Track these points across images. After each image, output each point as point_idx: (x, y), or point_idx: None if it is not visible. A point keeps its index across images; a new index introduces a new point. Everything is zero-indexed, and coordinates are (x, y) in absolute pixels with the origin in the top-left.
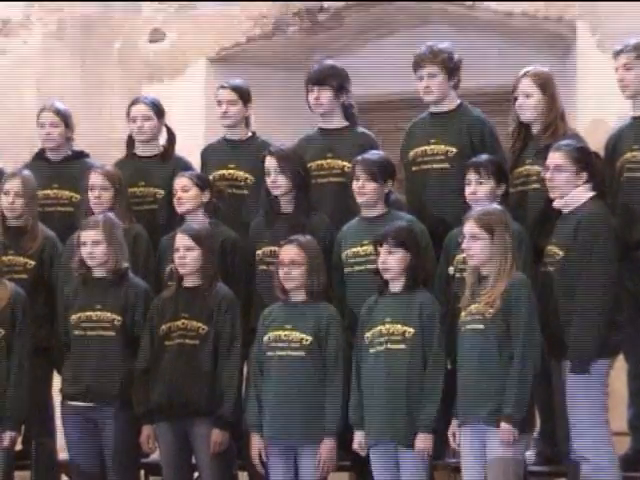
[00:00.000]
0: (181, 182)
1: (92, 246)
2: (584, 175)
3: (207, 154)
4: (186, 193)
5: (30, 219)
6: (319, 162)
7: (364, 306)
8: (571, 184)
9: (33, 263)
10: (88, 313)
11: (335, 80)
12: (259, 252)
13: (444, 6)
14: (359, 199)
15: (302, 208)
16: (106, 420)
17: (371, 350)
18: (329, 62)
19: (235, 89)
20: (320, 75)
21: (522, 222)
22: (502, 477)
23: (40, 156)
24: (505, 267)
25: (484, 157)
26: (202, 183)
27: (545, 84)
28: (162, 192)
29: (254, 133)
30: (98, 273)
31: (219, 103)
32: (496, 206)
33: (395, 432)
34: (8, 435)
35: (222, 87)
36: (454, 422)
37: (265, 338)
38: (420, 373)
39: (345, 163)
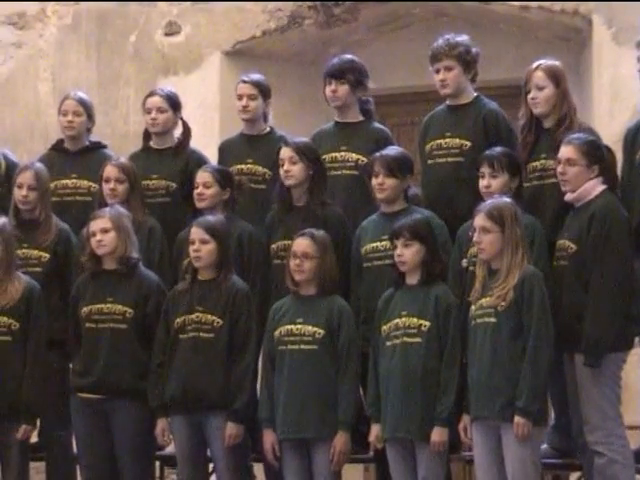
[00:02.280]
0: (203, 177)
1: (101, 234)
2: (596, 168)
3: (225, 149)
4: (207, 190)
5: (43, 212)
6: (333, 154)
7: (381, 299)
8: (583, 177)
9: (47, 256)
10: (99, 305)
11: (353, 74)
12: (273, 246)
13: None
14: (379, 195)
15: (316, 201)
16: (117, 412)
17: (387, 343)
18: (348, 56)
19: (256, 84)
20: (338, 69)
21: (539, 216)
22: (521, 471)
23: (58, 146)
24: (516, 260)
25: (498, 150)
26: (224, 180)
27: (558, 78)
28: (174, 185)
29: (272, 128)
30: (108, 265)
31: (239, 97)
32: (506, 199)
33: (410, 426)
34: (23, 428)
35: (243, 81)
36: (465, 417)
37: (276, 332)
38: (436, 366)
39: (359, 156)
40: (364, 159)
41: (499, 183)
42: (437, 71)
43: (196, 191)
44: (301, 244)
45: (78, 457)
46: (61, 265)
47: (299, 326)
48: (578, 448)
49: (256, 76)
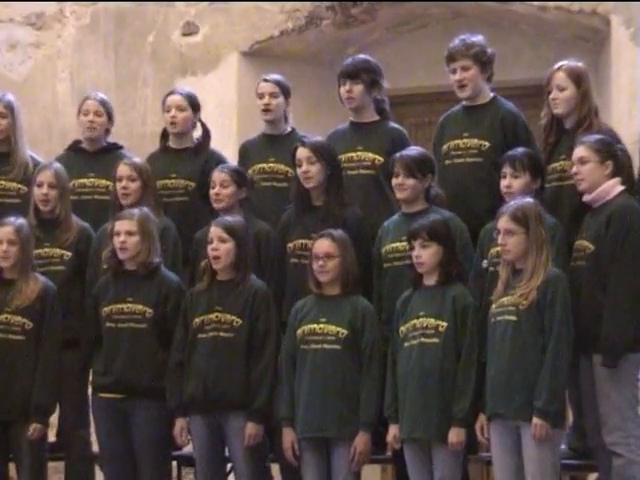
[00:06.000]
0: (220, 177)
1: (125, 236)
2: (609, 164)
3: (246, 149)
4: (225, 189)
5: (63, 211)
6: (349, 154)
7: (399, 300)
8: (597, 174)
9: (70, 254)
10: (119, 305)
11: (368, 74)
12: (290, 245)
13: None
14: (399, 195)
15: (334, 201)
16: (137, 412)
17: (405, 344)
18: (362, 56)
19: (277, 83)
20: (353, 69)
21: (558, 218)
22: (540, 472)
23: (75, 147)
24: (541, 260)
25: (520, 150)
26: (241, 180)
27: (579, 79)
28: (193, 184)
29: (294, 129)
30: (129, 266)
31: (261, 96)
32: (529, 200)
33: (428, 426)
34: (33, 427)
35: (265, 80)
36: (482, 416)
37: (299, 331)
38: (453, 367)
39: (375, 156)
40: (380, 159)
41: (520, 183)
42: (453, 71)
43: (213, 191)
44: (322, 245)
45: (99, 456)
46: (83, 263)
47: (322, 325)
48: (594, 449)
49: (277, 75)
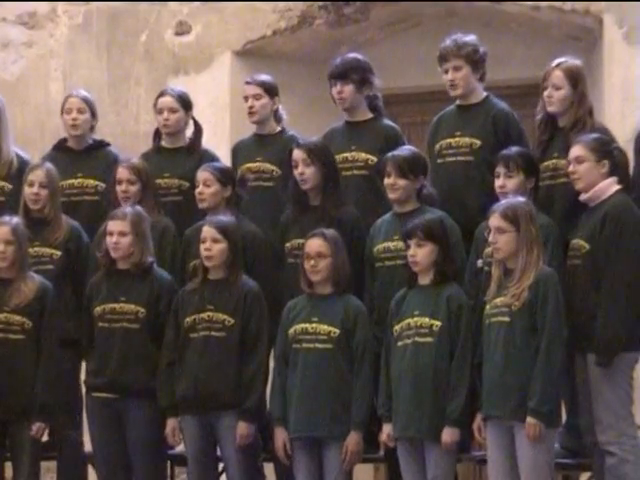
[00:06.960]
0: (203, 176)
1: (118, 237)
2: (606, 163)
3: (237, 149)
4: (208, 188)
5: (53, 210)
6: (343, 155)
7: (394, 299)
8: (593, 173)
9: (59, 253)
10: (112, 305)
11: (357, 73)
12: (288, 245)
13: None
14: (391, 195)
15: (331, 201)
16: (130, 411)
17: (399, 343)
18: (351, 55)
19: (260, 84)
20: (342, 69)
21: (550, 216)
22: (534, 472)
23: (61, 146)
24: (531, 260)
25: (514, 150)
26: (225, 178)
27: (576, 79)
28: (187, 184)
29: (283, 128)
30: (122, 265)
31: (245, 99)
32: (521, 199)
33: (421, 425)
34: (37, 425)
35: (247, 83)
36: (479, 416)
37: (291, 331)
38: (447, 366)
39: (369, 156)
40: (374, 159)
41: (514, 183)
42: (446, 71)
43: (196, 190)
44: (314, 244)
45: (93, 455)
46: (73, 262)
47: (314, 325)
48: (587, 448)
49: (261, 76)
